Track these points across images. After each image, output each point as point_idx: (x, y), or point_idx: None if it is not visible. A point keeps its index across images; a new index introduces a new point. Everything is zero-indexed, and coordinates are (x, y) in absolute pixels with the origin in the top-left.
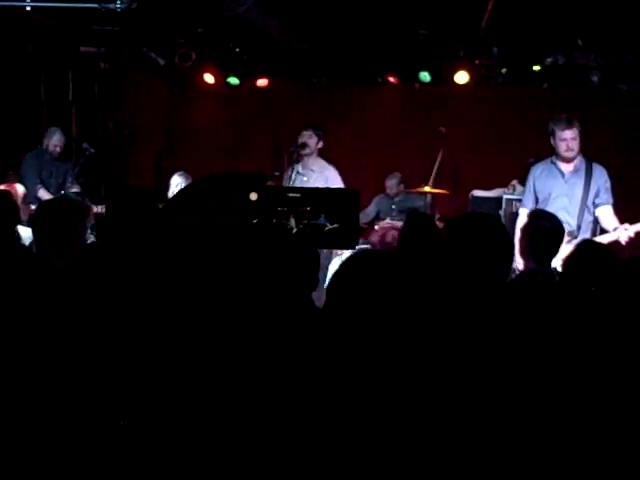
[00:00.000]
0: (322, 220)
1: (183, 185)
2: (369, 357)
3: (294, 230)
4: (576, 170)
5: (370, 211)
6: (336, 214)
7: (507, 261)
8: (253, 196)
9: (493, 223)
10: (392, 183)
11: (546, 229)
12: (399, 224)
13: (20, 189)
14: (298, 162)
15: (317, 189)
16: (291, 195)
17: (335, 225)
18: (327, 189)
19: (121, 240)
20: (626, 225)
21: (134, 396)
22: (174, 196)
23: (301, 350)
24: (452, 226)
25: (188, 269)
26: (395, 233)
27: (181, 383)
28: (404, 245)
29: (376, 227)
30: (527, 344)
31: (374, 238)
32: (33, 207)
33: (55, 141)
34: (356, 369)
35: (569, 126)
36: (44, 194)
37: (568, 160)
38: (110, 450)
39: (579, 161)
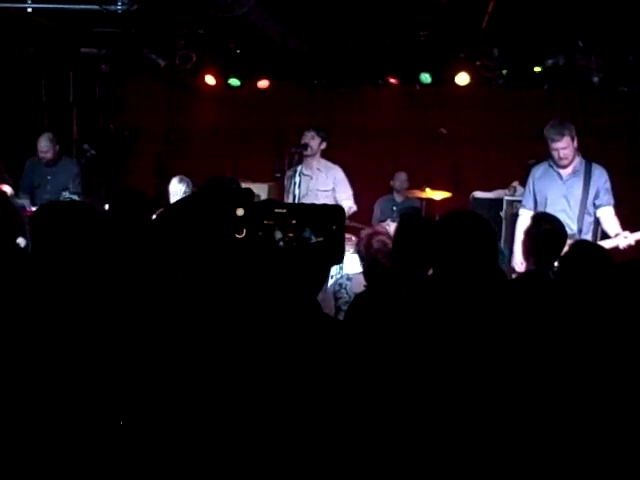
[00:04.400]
0: (307, 233)
1: (183, 191)
2: (373, 358)
3: (280, 243)
4: (575, 172)
5: (376, 216)
6: (321, 228)
7: (491, 257)
8: (240, 211)
9: (474, 218)
10: (403, 178)
11: (549, 232)
12: (381, 228)
13: (7, 190)
14: (300, 163)
15: (303, 205)
16: (278, 210)
17: (320, 239)
18: (312, 205)
19: (121, 243)
20: (626, 233)
21: (134, 396)
22: (163, 213)
23: (308, 353)
24: (437, 226)
25: (194, 274)
26: (381, 238)
27: (188, 387)
28: (399, 249)
29: (361, 234)
30: (523, 342)
31: (360, 246)
32: None
33: (42, 147)
34: (360, 371)
35: (559, 136)
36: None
37: (563, 167)
38: (110, 450)
39: (578, 162)
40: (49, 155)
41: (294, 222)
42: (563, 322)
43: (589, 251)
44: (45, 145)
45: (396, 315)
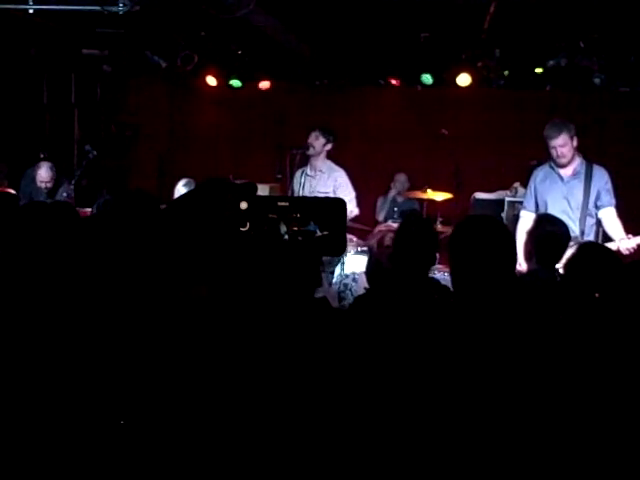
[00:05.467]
0: (312, 227)
1: None
2: (377, 356)
3: (285, 237)
4: (575, 173)
5: (380, 214)
6: (324, 221)
7: (511, 262)
8: (243, 205)
9: (496, 225)
10: (402, 180)
11: (552, 234)
12: (396, 226)
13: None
14: (304, 164)
15: (305, 198)
16: (281, 204)
17: (325, 232)
18: (315, 198)
19: (120, 242)
20: (629, 236)
21: (135, 395)
22: (170, 206)
23: (312, 346)
24: (457, 230)
25: (193, 270)
26: (393, 235)
27: (189, 385)
28: (400, 247)
29: (375, 230)
30: (528, 345)
31: (372, 242)
32: None
33: (43, 177)
34: (363, 368)
35: (556, 134)
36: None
37: (562, 166)
38: (110, 450)
39: (579, 164)
40: (50, 185)
41: (298, 216)
42: (571, 324)
43: (596, 253)
44: (47, 176)
45: (397, 317)
